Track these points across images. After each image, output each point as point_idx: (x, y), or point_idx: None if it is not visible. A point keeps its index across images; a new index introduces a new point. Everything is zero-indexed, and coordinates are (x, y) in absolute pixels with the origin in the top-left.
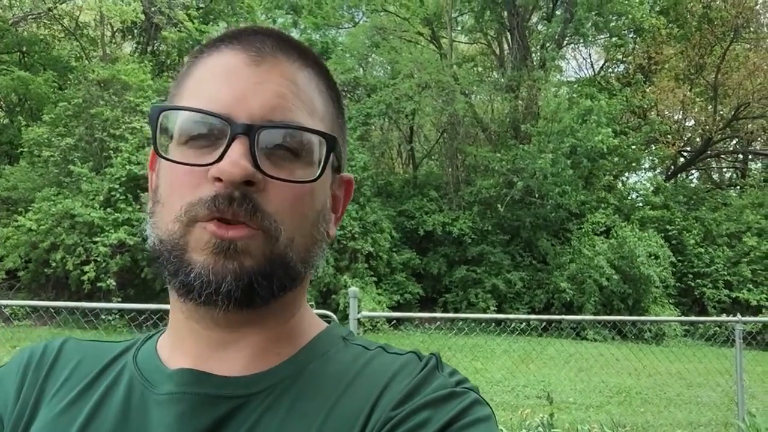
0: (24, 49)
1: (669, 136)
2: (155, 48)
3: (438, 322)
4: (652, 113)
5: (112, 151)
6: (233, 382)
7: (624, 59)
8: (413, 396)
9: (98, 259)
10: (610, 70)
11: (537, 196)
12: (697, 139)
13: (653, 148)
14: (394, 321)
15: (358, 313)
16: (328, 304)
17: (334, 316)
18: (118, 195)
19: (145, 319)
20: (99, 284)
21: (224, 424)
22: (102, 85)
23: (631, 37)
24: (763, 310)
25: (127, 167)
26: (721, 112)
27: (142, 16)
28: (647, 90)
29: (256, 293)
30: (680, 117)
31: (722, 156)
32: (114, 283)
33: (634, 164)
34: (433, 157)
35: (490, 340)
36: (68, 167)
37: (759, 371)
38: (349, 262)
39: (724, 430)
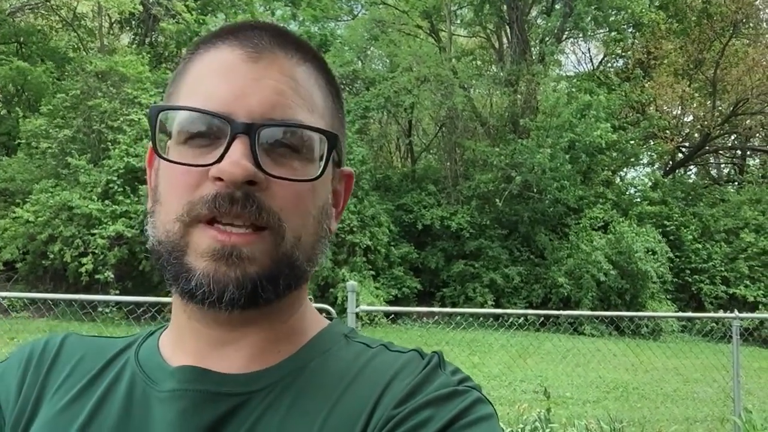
0: (21, 39)
1: (667, 131)
2: (153, 39)
3: (436, 317)
4: (651, 108)
5: (110, 143)
6: (235, 379)
7: (623, 54)
8: (415, 394)
9: (96, 251)
10: (609, 64)
11: (535, 190)
12: (696, 135)
13: (652, 143)
14: (392, 315)
15: (356, 307)
16: (326, 298)
17: (333, 310)
18: (116, 187)
19: (143, 312)
20: (97, 276)
21: (226, 421)
22: (100, 76)
23: (631, 32)
24: (760, 307)
25: (125, 159)
26: (720, 108)
27: (140, 8)
28: (646, 85)
29: (260, 296)
30: (679, 112)
31: (720, 152)
32: (112, 276)
33: (632, 159)
34: (431, 151)
35: (488, 334)
36: (66, 159)
37: (755, 367)
38: (347, 256)
39: (720, 425)
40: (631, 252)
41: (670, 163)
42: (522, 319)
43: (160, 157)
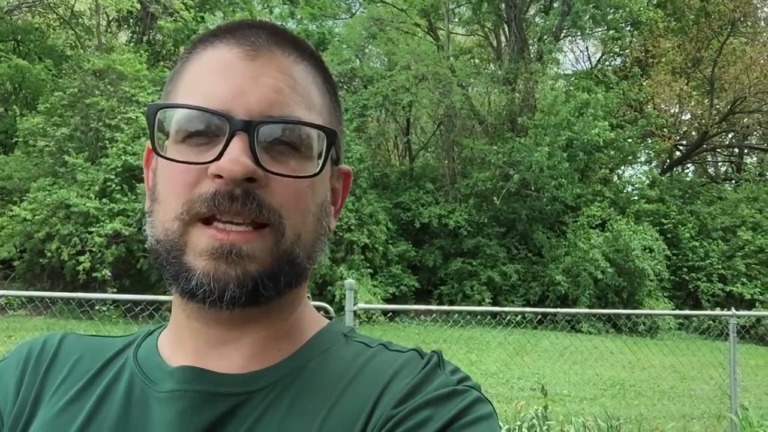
0: (18, 37)
1: (665, 129)
2: (151, 38)
3: (433, 315)
4: (649, 107)
5: (107, 142)
6: (234, 379)
7: (621, 52)
8: (414, 394)
9: (93, 249)
10: (607, 63)
11: (533, 188)
12: (693, 133)
13: (649, 141)
14: (390, 313)
15: (354, 305)
16: (323, 296)
17: (331, 309)
18: (113, 185)
19: (141, 310)
20: (94, 274)
21: (225, 422)
22: (97, 74)
23: (629, 30)
24: (757, 304)
25: (123, 157)
26: (718, 106)
27: (138, 6)
28: (644, 83)
29: (261, 294)
30: (677, 110)
31: (718, 150)
32: (109, 274)
33: (630, 158)
34: (429, 149)
35: (486, 332)
36: (63, 157)
37: (752, 365)
38: (345, 254)
39: (716, 422)
40: (628, 250)
41: (668, 161)
42: (519, 316)
43: (159, 155)
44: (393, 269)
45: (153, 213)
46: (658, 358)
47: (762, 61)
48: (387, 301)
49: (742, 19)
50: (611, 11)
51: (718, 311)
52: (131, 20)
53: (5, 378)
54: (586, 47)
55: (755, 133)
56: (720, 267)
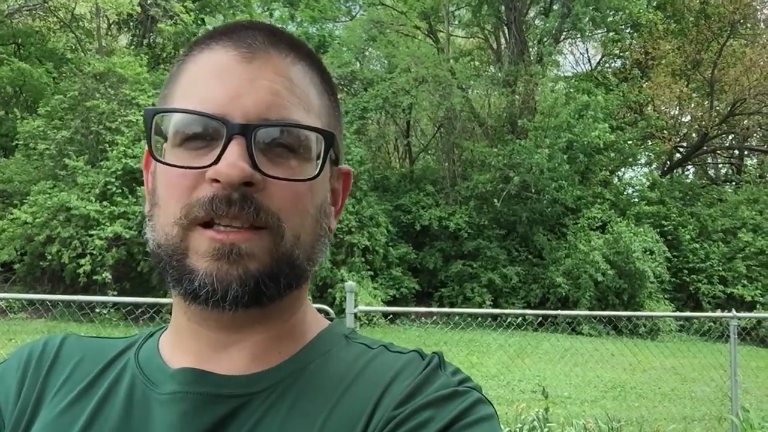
0: (19, 41)
1: (665, 131)
2: (151, 41)
3: (434, 317)
4: (649, 109)
5: (107, 145)
6: (235, 381)
7: (621, 54)
8: (415, 395)
9: (94, 252)
10: (607, 65)
11: (533, 191)
12: (693, 135)
13: (649, 143)
14: (391, 315)
15: (355, 307)
16: (324, 298)
17: (331, 311)
18: (114, 188)
19: (142, 313)
20: (95, 277)
21: (226, 424)
22: (98, 77)
23: (628, 33)
24: (758, 306)
25: (123, 161)
26: (718, 108)
27: (138, 9)
28: (644, 85)
29: (263, 294)
30: (677, 113)
31: (718, 152)
32: (110, 277)
33: (630, 160)
34: (429, 152)
35: (486, 334)
36: (64, 160)
37: (753, 366)
38: (346, 256)
39: (717, 424)
40: (628, 252)
41: (668, 163)
42: (520, 319)
43: (156, 159)
44: (393, 271)
45: (153, 217)
46: (659, 360)
47: (762, 63)
48: (387, 303)
49: (741, 21)
50: (611, 13)
51: (718, 313)
52: (131, 23)
53: (6, 380)
54: (586, 49)
55: (755, 134)
56: (720, 269)
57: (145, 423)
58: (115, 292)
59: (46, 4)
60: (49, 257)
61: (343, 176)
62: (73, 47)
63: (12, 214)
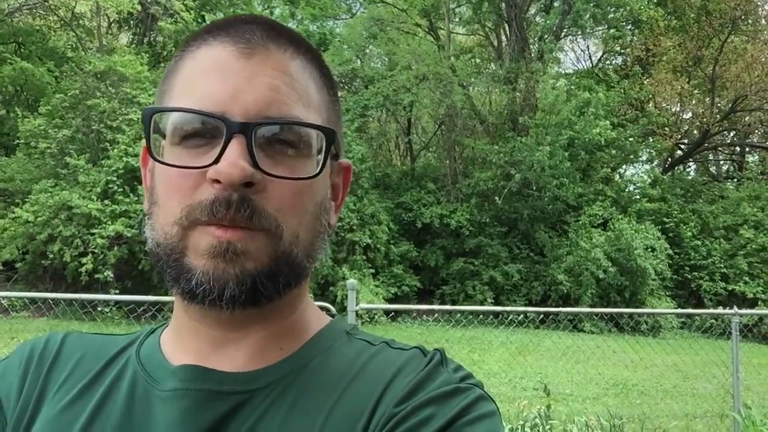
0: (20, 40)
1: (666, 128)
2: (152, 39)
3: (435, 315)
4: (650, 105)
5: (108, 143)
6: (237, 378)
7: (622, 51)
8: (417, 392)
9: (96, 250)
10: (608, 62)
11: (534, 188)
12: (695, 132)
13: (651, 140)
14: (392, 313)
15: (356, 305)
16: (325, 296)
17: (333, 308)
18: (115, 187)
19: (143, 311)
20: (96, 276)
21: (228, 420)
22: (98, 76)
23: (629, 29)
24: (760, 303)
25: (125, 159)
26: (719, 105)
27: (139, 7)
28: (645, 82)
29: (261, 293)
30: (678, 109)
31: (719, 148)
32: (111, 275)
33: (631, 156)
34: (430, 149)
35: (488, 332)
36: (65, 159)
37: (755, 363)
38: (347, 254)
39: (719, 421)
40: (630, 249)
41: (669, 160)
42: (522, 316)
43: (156, 160)
44: (395, 269)
45: (152, 216)
46: (661, 357)
47: (763, 60)
48: (389, 301)
49: (742, 17)
50: (612, 10)
51: (720, 310)
52: (132, 22)
53: (8, 376)
54: (587, 46)
55: (757, 131)
56: (722, 266)
57: (147, 420)
58: (117, 291)
59: (46, 3)
60: (51, 256)
61: (344, 171)
62: (74, 46)
63: (14, 212)
